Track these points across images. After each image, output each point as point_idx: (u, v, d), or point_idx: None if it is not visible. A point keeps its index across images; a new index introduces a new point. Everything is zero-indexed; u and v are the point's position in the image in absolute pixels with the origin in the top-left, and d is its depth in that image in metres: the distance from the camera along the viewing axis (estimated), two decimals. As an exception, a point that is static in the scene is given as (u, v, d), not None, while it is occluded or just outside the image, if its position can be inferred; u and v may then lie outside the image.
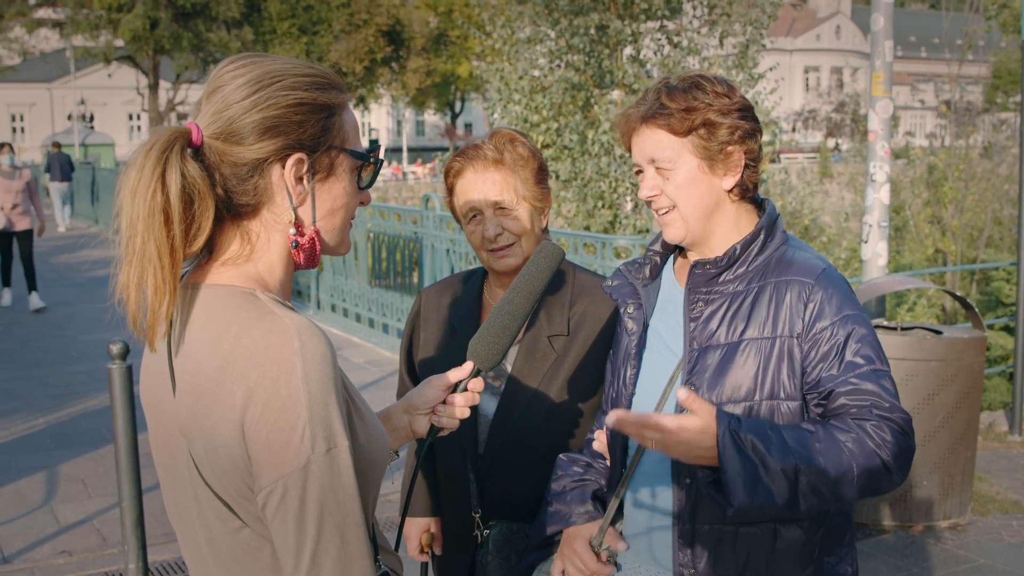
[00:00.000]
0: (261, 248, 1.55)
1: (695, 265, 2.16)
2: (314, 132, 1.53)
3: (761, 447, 1.86)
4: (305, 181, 1.54)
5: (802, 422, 2.02)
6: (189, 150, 1.48)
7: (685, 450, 1.86)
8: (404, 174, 59.07)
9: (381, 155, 1.67)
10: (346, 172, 1.60)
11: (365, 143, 1.66)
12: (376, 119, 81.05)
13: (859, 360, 2.00)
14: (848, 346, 2.01)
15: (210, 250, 1.54)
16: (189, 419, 1.46)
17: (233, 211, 1.53)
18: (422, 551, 2.69)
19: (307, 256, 1.58)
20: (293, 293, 13.19)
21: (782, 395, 2.04)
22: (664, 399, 2.14)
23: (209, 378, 1.43)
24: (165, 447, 1.56)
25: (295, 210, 1.54)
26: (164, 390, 1.53)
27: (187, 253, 1.47)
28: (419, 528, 2.69)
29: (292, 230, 1.54)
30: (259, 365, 1.40)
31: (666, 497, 2.13)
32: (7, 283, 13.29)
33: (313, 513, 1.40)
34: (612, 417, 1.86)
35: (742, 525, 2.07)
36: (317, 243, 1.58)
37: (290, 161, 1.52)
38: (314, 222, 1.57)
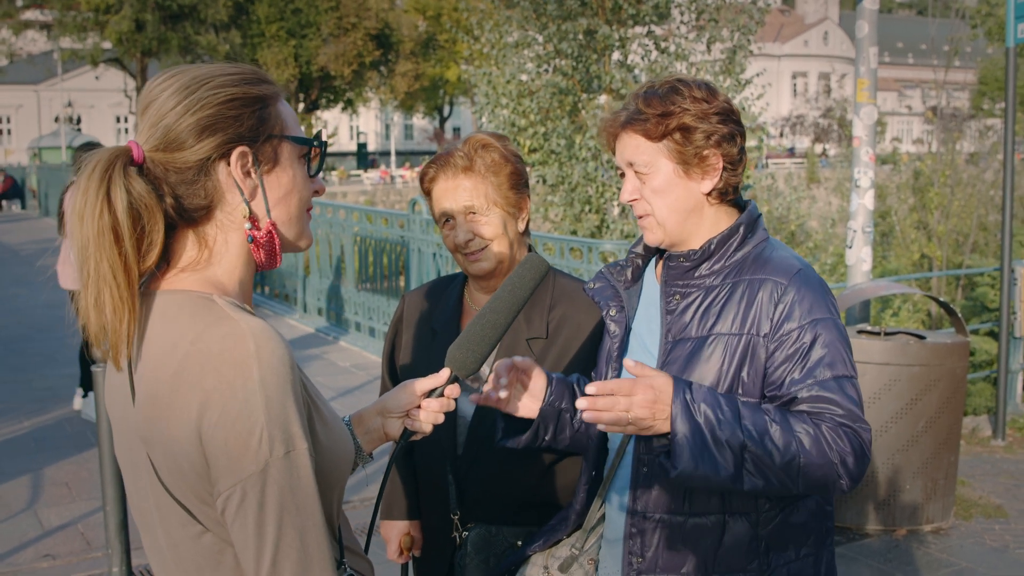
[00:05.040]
0: (219, 251, 1.55)
1: (669, 258, 2.19)
2: (252, 124, 1.54)
3: (712, 417, 1.90)
4: (252, 174, 1.55)
5: (763, 403, 2.04)
6: (133, 168, 1.48)
7: (652, 406, 1.88)
8: (392, 178, 59.00)
9: (325, 138, 1.68)
10: (292, 160, 1.61)
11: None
12: (364, 123, 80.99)
13: (823, 366, 2.01)
14: (813, 350, 2.02)
15: (167, 260, 1.54)
16: (148, 426, 1.46)
17: (186, 217, 1.53)
18: (401, 554, 2.70)
19: (267, 252, 1.58)
20: (280, 297, 13.17)
21: (740, 391, 2.06)
22: None
23: (166, 384, 1.43)
24: (127, 454, 1.56)
25: (248, 204, 1.54)
26: (125, 398, 1.53)
27: (142, 269, 1.48)
28: (399, 531, 2.70)
29: (248, 225, 1.55)
30: (215, 370, 1.40)
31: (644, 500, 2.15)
32: (90, 384, 8.22)
33: (272, 516, 1.40)
34: (583, 402, 1.87)
35: (691, 516, 2.10)
36: (276, 237, 1.58)
37: (234, 155, 1.52)
38: (268, 214, 1.57)
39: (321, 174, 1.69)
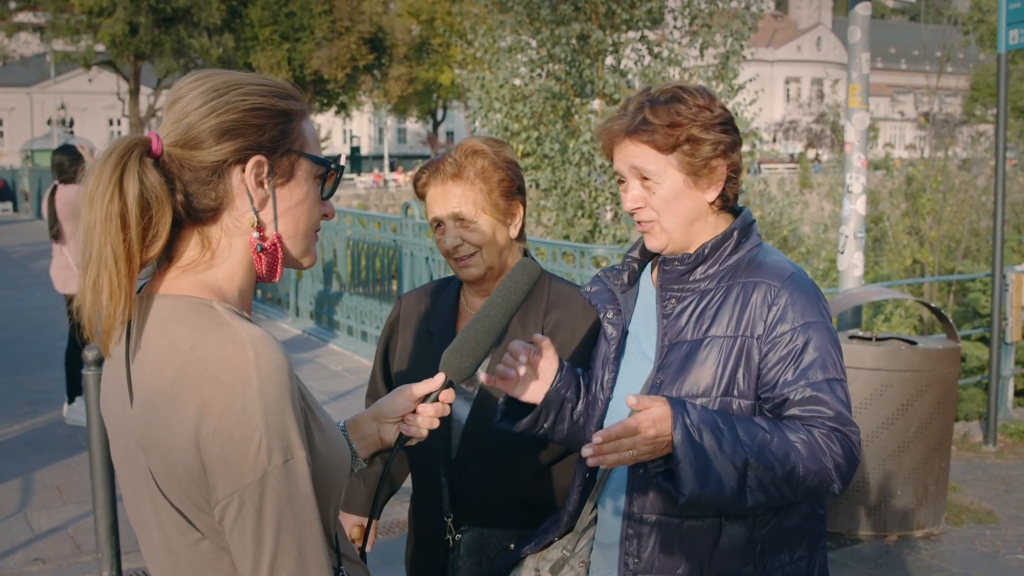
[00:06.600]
0: (222, 254, 1.55)
1: (663, 262, 2.21)
2: (273, 135, 1.54)
3: (713, 439, 1.92)
4: (266, 184, 1.55)
5: (756, 416, 2.06)
6: (150, 159, 1.49)
7: (653, 440, 1.92)
8: (385, 182, 59.01)
9: (343, 163, 1.68)
10: (307, 178, 1.61)
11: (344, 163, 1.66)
12: (358, 126, 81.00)
13: (815, 368, 2.04)
14: (806, 352, 2.04)
15: (169, 257, 1.55)
16: (145, 431, 1.46)
17: (194, 216, 1.53)
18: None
19: (269, 264, 1.57)
20: (272, 301, 13.15)
21: (736, 393, 2.08)
22: None
23: (164, 390, 1.43)
24: (124, 458, 1.56)
25: (256, 213, 1.54)
26: (122, 402, 1.52)
27: (144, 259, 1.47)
28: (352, 523, 2.73)
29: (255, 234, 1.55)
30: (214, 377, 1.39)
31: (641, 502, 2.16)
32: (76, 390, 8.10)
33: (270, 525, 1.40)
34: (588, 450, 1.91)
35: (688, 518, 2.11)
36: (279, 250, 1.58)
37: (250, 163, 1.52)
38: (276, 227, 1.57)
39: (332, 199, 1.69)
